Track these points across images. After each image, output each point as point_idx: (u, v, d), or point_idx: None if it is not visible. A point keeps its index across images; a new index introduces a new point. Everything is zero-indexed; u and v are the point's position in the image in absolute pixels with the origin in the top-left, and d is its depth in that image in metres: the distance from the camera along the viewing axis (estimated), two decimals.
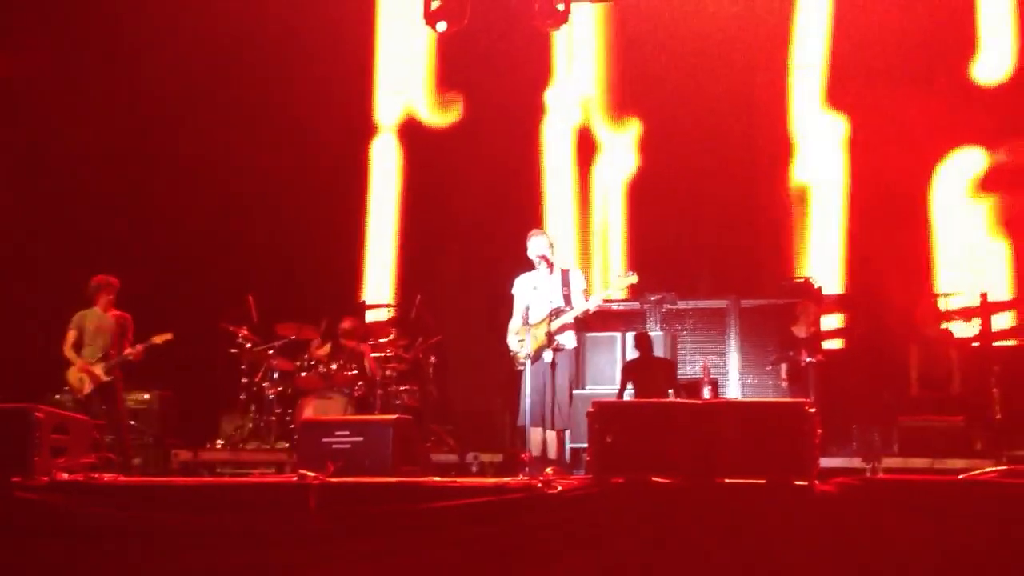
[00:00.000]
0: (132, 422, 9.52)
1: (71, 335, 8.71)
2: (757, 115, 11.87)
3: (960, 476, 5.41)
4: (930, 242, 11.51)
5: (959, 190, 11.51)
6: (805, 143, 12.03)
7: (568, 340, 7.75)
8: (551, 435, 7.61)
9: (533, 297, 7.69)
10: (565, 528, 5.11)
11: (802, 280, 11.33)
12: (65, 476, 5.68)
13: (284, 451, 9.62)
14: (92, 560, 5.35)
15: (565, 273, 7.83)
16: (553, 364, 7.53)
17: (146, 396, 10.00)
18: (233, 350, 10.29)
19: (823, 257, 11.78)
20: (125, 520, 5.35)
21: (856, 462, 8.88)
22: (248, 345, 10.26)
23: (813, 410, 5.17)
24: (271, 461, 9.74)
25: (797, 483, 4.99)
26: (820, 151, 11.98)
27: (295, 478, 5.54)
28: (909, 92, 11.35)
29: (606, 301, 8.72)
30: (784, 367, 10.02)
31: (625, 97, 12.53)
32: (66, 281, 11.04)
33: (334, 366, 9.94)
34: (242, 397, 10.30)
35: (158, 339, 8.81)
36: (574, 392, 7.99)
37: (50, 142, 11.69)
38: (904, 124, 11.36)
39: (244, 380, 10.31)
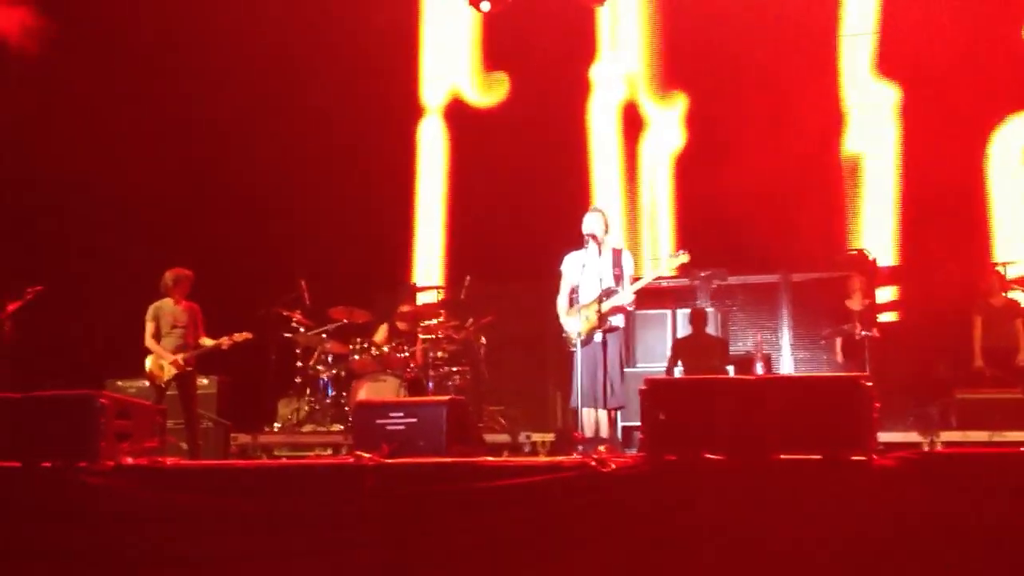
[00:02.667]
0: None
1: (150, 327, 8.97)
2: (807, 85, 11.70)
3: (1022, 448, 5.33)
4: (986, 210, 11.31)
5: (1015, 157, 11.29)
6: (856, 113, 11.86)
7: (618, 319, 7.71)
8: (603, 414, 7.59)
9: (582, 276, 7.66)
10: (619, 506, 5.12)
11: (855, 252, 11.19)
12: (130, 460, 5.80)
13: (339, 433, 9.73)
14: (156, 542, 5.46)
15: (617, 254, 7.77)
16: (604, 344, 7.49)
17: (204, 381, 10.15)
18: (287, 334, 10.42)
19: (876, 228, 11.63)
20: (189, 503, 5.46)
21: (913, 436, 8.79)
22: (302, 329, 10.38)
23: (870, 384, 5.12)
24: (327, 443, 9.86)
25: (855, 458, 4.95)
26: (872, 120, 11.82)
27: (352, 459, 5.61)
28: (962, 58, 11.13)
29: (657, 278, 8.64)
30: (839, 341, 9.92)
31: (671, 71, 12.43)
32: (123, 270, 11.28)
33: (386, 349, 10.03)
34: (297, 381, 10.44)
35: (239, 337, 9.04)
36: (625, 370, 7.97)
37: (99, 133, 11.86)
38: (957, 91, 11.14)
39: (299, 364, 10.44)
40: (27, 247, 11.78)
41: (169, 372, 8.88)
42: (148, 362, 8.97)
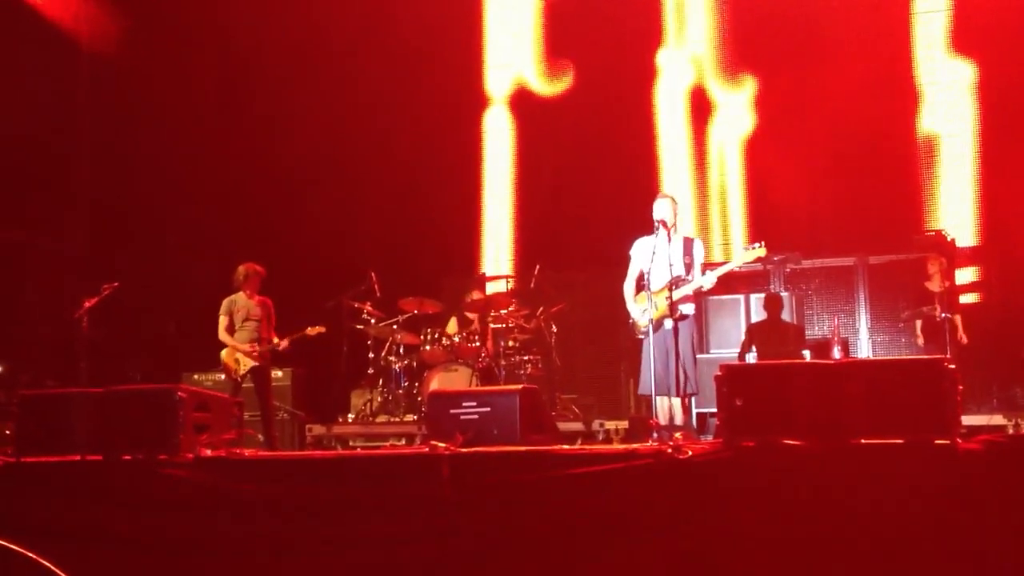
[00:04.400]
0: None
1: (223, 321, 9.07)
2: (879, 64, 11.45)
3: None
4: None
5: None
6: (931, 91, 11.57)
7: (688, 308, 7.64)
8: (676, 401, 7.52)
9: (652, 262, 7.56)
10: (697, 493, 5.05)
11: (933, 233, 10.93)
12: (208, 453, 5.88)
13: (412, 423, 9.79)
14: (234, 534, 5.53)
15: (688, 242, 7.68)
16: (675, 331, 7.42)
17: (279, 373, 10.29)
18: (359, 326, 10.50)
19: (955, 208, 11.35)
20: (267, 494, 5.52)
21: (997, 419, 8.58)
22: (373, 320, 10.46)
23: (953, 366, 4.99)
24: (401, 433, 9.94)
25: (938, 442, 4.83)
26: (948, 99, 11.53)
27: (427, 449, 5.62)
28: None
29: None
30: (919, 324, 9.71)
31: (739, 54, 12.24)
32: (196, 265, 11.49)
33: (457, 339, 10.06)
34: (370, 372, 10.53)
35: (311, 331, 9.11)
36: (698, 356, 7.87)
37: (169, 130, 12.06)
38: None
39: (371, 355, 10.53)
40: (103, 244, 12.06)
41: (245, 364, 8.98)
42: (223, 355, 9.09)
